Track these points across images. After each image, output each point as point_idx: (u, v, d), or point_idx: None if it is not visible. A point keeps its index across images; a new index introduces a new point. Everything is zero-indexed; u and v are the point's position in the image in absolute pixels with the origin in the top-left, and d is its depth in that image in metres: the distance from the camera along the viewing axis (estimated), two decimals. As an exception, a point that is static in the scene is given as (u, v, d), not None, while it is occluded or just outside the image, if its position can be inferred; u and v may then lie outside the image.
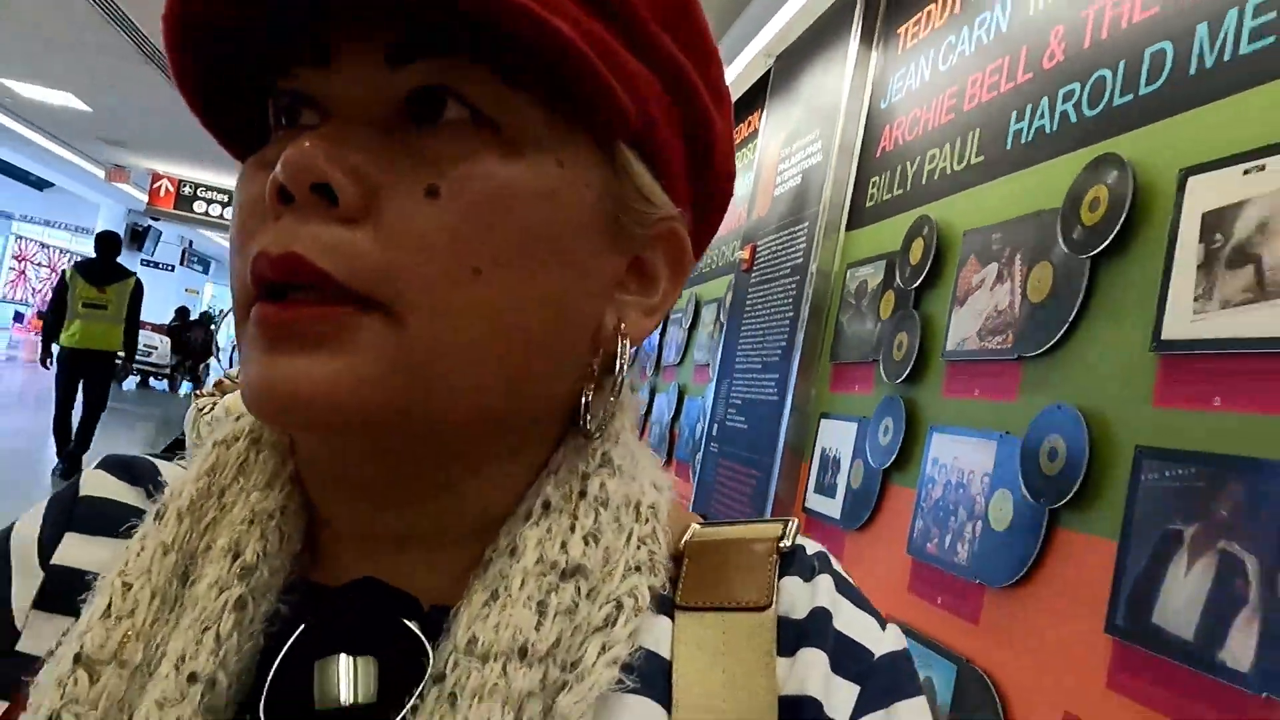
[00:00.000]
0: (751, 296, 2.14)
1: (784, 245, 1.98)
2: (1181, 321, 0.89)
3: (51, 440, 5.49)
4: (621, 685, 0.31)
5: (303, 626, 0.33)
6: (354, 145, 0.30)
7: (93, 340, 5.33)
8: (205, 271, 21.11)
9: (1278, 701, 0.71)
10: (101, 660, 0.32)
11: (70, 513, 0.39)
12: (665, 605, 0.36)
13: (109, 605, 0.33)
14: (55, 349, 5.45)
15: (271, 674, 0.33)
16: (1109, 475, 0.96)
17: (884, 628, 0.37)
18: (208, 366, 12.99)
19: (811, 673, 0.34)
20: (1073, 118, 1.16)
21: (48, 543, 0.38)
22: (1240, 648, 0.74)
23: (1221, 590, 0.78)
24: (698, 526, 0.39)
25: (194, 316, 14.14)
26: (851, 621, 0.36)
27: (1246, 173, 0.84)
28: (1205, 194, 0.89)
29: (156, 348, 12.78)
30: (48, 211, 16.92)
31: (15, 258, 21.31)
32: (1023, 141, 1.26)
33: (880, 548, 1.40)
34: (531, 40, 0.29)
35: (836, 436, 1.63)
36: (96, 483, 0.40)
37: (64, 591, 0.36)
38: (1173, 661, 0.81)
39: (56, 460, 5.38)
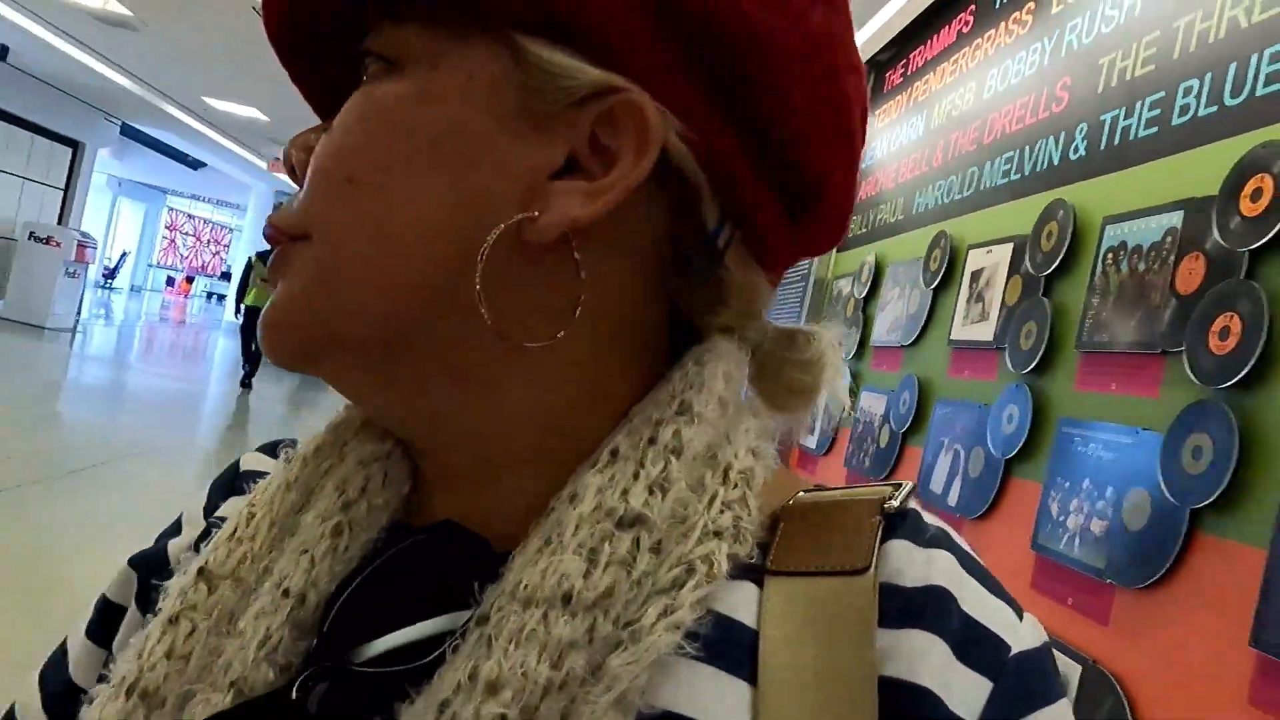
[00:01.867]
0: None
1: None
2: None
3: (210, 381, 6.67)
4: (685, 652, 0.29)
5: (377, 562, 0.34)
6: (315, 130, 0.36)
7: (264, 300, 6.55)
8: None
9: None
10: (221, 575, 0.35)
11: (232, 485, 0.44)
12: (754, 572, 0.32)
13: (234, 530, 0.36)
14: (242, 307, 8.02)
15: (340, 602, 0.33)
16: (1261, 479, 0.90)
17: (1021, 617, 0.32)
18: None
19: (925, 660, 0.29)
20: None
21: (211, 508, 0.43)
22: None
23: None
24: (804, 493, 0.36)
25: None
26: (982, 606, 0.31)
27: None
28: None
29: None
30: (198, 187, 18.13)
31: (167, 228, 22.98)
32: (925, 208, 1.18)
33: (1000, 540, 1.36)
34: None
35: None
36: (252, 460, 0.45)
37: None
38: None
39: (242, 374, 7.80)
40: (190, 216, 23.35)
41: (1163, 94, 1.22)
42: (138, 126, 11.47)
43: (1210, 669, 0.91)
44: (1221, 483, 0.93)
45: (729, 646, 0.30)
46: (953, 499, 1.54)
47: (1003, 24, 1.85)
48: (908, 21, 2.46)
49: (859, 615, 0.30)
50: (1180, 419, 1.03)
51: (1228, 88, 1.08)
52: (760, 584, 0.32)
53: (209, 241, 24.85)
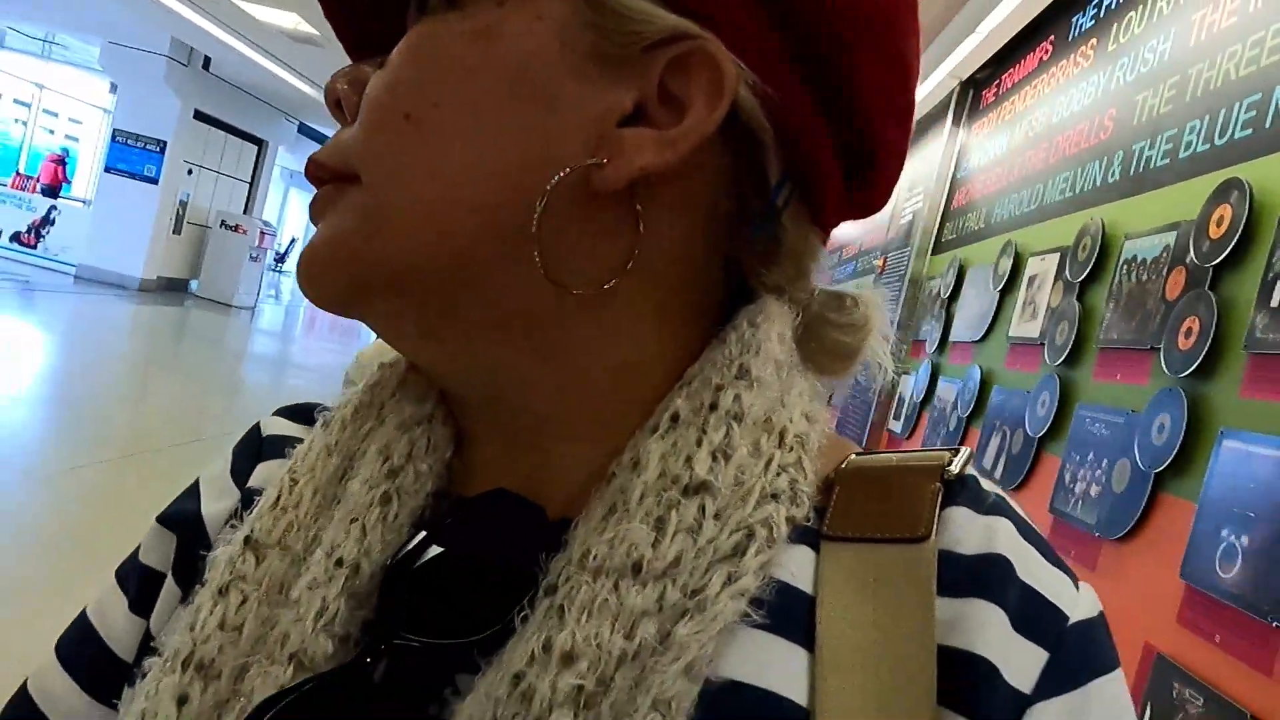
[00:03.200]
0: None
1: (897, 260, 3.10)
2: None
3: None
4: (748, 619, 0.28)
5: (423, 533, 0.33)
6: (364, 67, 0.34)
7: None
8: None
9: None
10: (268, 544, 0.34)
11: (259, 450, 0.42)
12: (809, 536, 0.32)
13: (278, 498, 0.35)
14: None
15: (397, 572, 0.32)
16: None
17: (1078, 586, 0.32)
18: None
19: (985, 630, 0.29)
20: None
21: (241, 473, 0.41)
22: None
23: None
24: (855, 456, 0.35)
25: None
26: (1039, 574, 0.31)
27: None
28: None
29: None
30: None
31: None
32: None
33: (1142, 566, 1.20)
34: None
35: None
36: (275, 424, 0.43)
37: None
38: None
39: None
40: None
41: (1175, 130, 1.42)
42: (312, 125, 12.74)
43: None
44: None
45: (786, 613, 0.30)
46: (997, 472, 1.78)
47: (1072, 55, 2.03)
48: (1003, 43, 2.63)
49: (919, 584, 0.29)
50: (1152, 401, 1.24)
51: (1218, 128, 1.28)
52: (816, 549, 0.31)
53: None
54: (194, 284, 10.74)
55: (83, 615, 0.41)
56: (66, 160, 12.23)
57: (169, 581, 0.39)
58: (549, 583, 0.29)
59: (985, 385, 2.01)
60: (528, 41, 0.31)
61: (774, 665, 0.29)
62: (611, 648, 0.27)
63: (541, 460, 0.35)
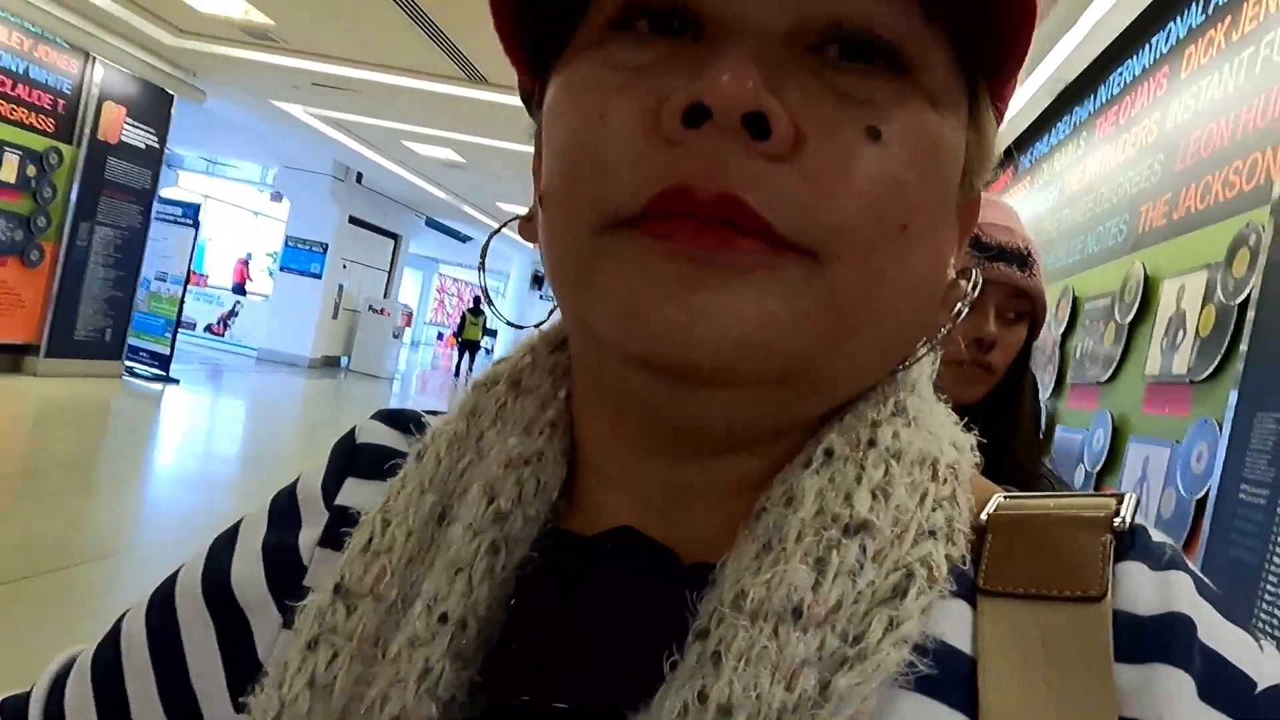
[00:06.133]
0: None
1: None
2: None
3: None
4: (912, 670, 0.25)
5: (543, 580, 0.30)
6: (782, 75, 0.25)
7: (477, 336, 10.13)
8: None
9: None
10: (360, 593, 0.30)
11: (351, 459, 0.38)
12: (966, 587, 0.28)
13: (369, 540, 0.32)
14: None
15: (511, 626, 0.30)
16: None
17: (1262, 648, 0.27)
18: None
19: (1170, 697, 0.25)
20: None
21: (330, 487, 0.38)
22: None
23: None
24: (1003, 498, 0.30)
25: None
26: (1222, 637, 0.26)
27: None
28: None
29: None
30: (464, 257, 20.86)
31: (438, 290, 26.25)
32: None
33: None
34: None
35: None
36: (370, 431, 0.39)
37: (345, 530, 0.34)
38: None
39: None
40: (454, 280, 26.54)
41: (1219, 170, 1.54)
42: (438, 219, 13.86)
43: None
44: None
45: (947, 675, 0.26)
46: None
47: (1101, 117, 2.16)
48: (1051, 99, 2.75)
49: (1095, 648, 0.25)
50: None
51: (1244, 175, 1.40)
52: (973, 604, 0.28)
53: (470, 302, 28.43)
54: (345, 359, 11.78)
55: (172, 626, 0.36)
56: (249, 262, 13.74)
57: (271, 608, 0.35)
58: (700, 626, 0.26)
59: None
60: (958, 163, 0.29)
61: None
62: (772, 699, 0.24)
63: (685, 499, 0.30)
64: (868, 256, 0.26)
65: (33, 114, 5.47)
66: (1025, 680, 0.25)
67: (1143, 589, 0.27)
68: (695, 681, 0.25)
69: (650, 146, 0.25)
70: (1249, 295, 1.20)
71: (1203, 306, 1.44)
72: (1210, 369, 1.34)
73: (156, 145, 6.43)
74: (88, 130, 5.82)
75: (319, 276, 10.68)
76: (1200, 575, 0.28)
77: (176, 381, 6.77)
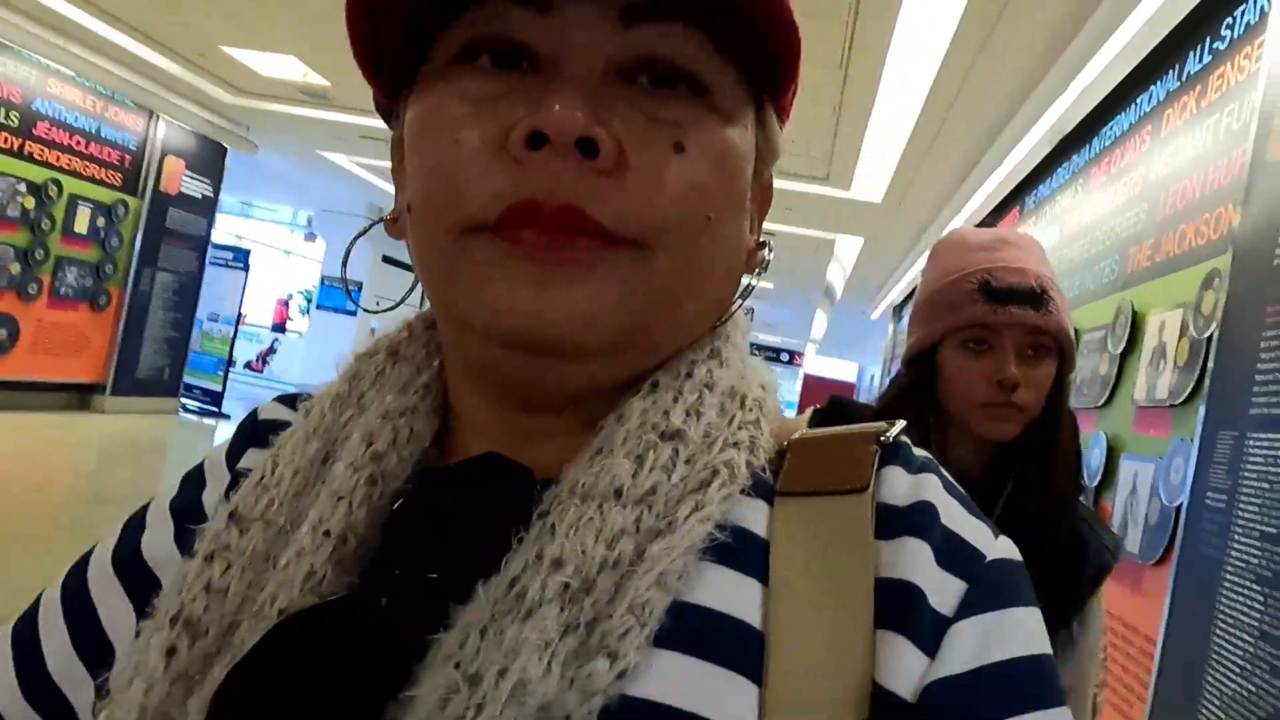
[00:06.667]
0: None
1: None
2: None
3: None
4: (713, 556, 0.31)
5: (415, 485, 0.35)
6: (603, 105, 0.30)
7: None
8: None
9: None
10: (251, 518, 0.35)
11: (253, 433, 0.43)
12: (765, 491, 0.34)
13: (260, 478, 0.36)
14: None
15: (390, 532, 0.34)
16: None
17: (996, 536, 0.34)
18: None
19: (914, 561, 0.31)
20: None
21: (234, 455, 0.43)
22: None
23: None
24: (806, 430, 0.38)
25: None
26: (959, 522, 0.33)
27: None
28: None
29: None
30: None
31: None
32: None
33: None
34: (760, 14, 0.31)
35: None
36: (270, 410, 0.44)
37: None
38: None
39: None
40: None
41: (1192, 220, 1.75)
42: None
43: None
44: None
45: (745, 552, 0.32)
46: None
47: (1100, 163, 2.37)
48: (1050, 148, 2.97)
49: (859, 526, 0.32)
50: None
51: (1211, 226, 1.61)
52: (771, 503, 0.34)
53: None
54: (379, 394, 12.12)
55: (84, 584, 0.39)
56: (288, 302, 14.18)
57: (178, 557, 0.38)
58: (542, 509, 0.31)
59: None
60: (750, 165, 0.36)
61: (734, 594, 0.31)
62: (595, 554, 0.29)
63: (540, 434, 0.35)
64: (681, 246, 0.32)
65: (103, 170, 5.86)
66: (805, 554, 0.32)
67: (899, 485, 0.34)
68: (535, 546, 0.30)
69: (500, 167, 0.30)
70: (1213, 331, 1.40)
71: (1179, 339, 1.63)
72: (1185, 394, 1.54)
73: (211, 194, 6.80)
74: (150, 183, 6.21)
75: (354, 314, 11.07)
76: (951, 480, 0.35)
77: (228, 416, 7.08)
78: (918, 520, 0.33)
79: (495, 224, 0.30)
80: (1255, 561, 1.12)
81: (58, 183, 5.51)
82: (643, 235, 0.31)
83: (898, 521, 0.33)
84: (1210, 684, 1.16)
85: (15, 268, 5.32)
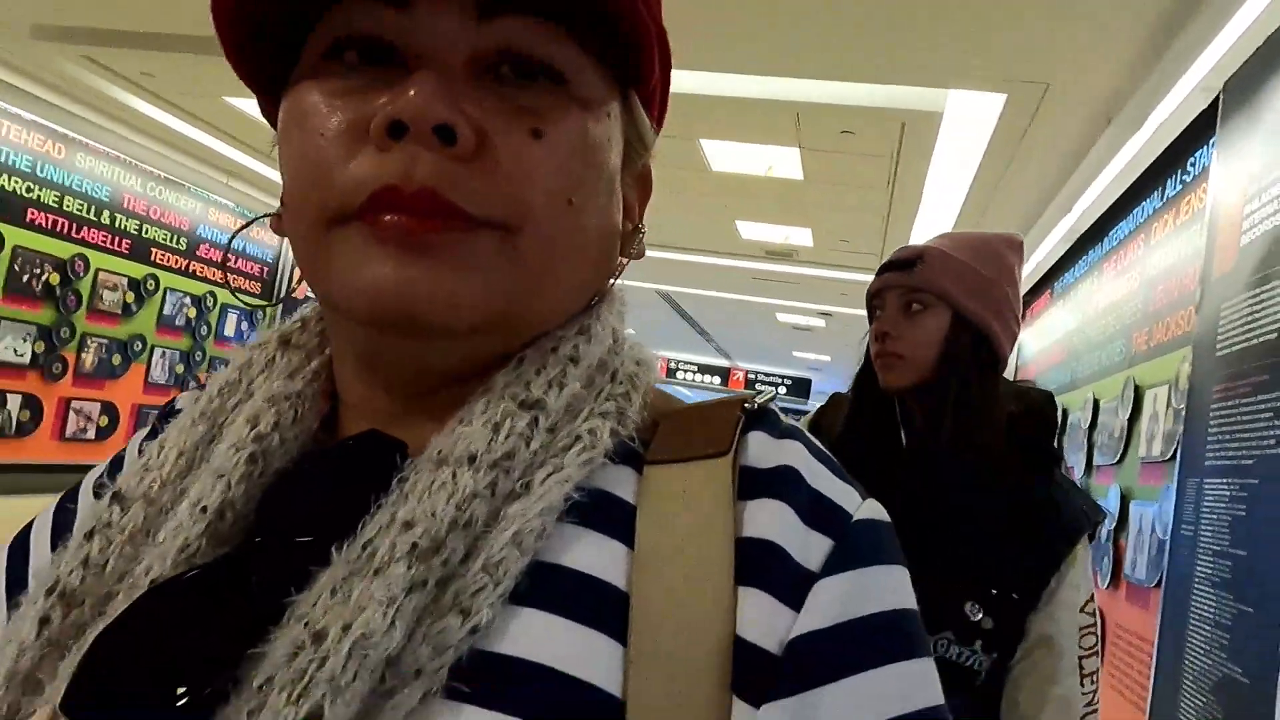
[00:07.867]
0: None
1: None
2: None
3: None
4: (576, 519, 0.32)
5: (294, 463, 0.36)
6: (462, 94, 0.31)
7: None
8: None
9: None
10: (133, 497, 0.35)
11: (169, 416, 0.44)
12: (634, 460, 0.35)
13: (146, 460, 0.37)
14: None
15: (266, 502, 0.34)
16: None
17: (864, 498, 0.35)
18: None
19: (774, 520, 0.33)
20: None
21: (153, 435, 0.43)
22: None
23: None
24: (680, 404, 0.39)
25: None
26: (824, 483, 0.35)
27: None
28: None
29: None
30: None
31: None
32: None
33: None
34: (610, 7, 0.32)
35: None
36: (184, 399, 0.45)
37: None
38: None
39: None
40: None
41: (1173, 314, 2.18)
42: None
43: None
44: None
45: (611, 517, 0.33)
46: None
47: (1110, 258, 2.81)
48: (1069, 245, 3.41)
49: (721, 489, 0.33)
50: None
51: (1184, 321, 2.04)
52: (640, 471, 0.35)
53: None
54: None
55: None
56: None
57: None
58: (401, 475, 0.32)
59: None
60: (619, 150, 0.37)
61: (598, 556, 0.32)
62: (444, 516, 0.30)
63: (419, 413, 0.36)
64: (544, 228, 0.33)
65: (247, 281, 6.78)
66: (670, 516, 0.33)
67: (762, 449, 0.35)
68: (389, 510, 0.31)
69: (363, 156, 0.31)
70: (1185, 404, 1.83)
71: (1166, 410, 2.05)
72: (1171, 452, 1.94)
73: (324, 296, 7.65)
74: (283, 290, 7.06)
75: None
76: (819, 447, 0.37)
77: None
78: (780, 482, 0.34)
79: (359, 211, 0.31)
80: (1210, 572, 1.52)
81: (214, 295, 6.42)
82: (505, 218, 0.32)
83: (760, 483, 0.34)
84: (1186, 666, 1.54)
85: (180, 368, 6.20)
